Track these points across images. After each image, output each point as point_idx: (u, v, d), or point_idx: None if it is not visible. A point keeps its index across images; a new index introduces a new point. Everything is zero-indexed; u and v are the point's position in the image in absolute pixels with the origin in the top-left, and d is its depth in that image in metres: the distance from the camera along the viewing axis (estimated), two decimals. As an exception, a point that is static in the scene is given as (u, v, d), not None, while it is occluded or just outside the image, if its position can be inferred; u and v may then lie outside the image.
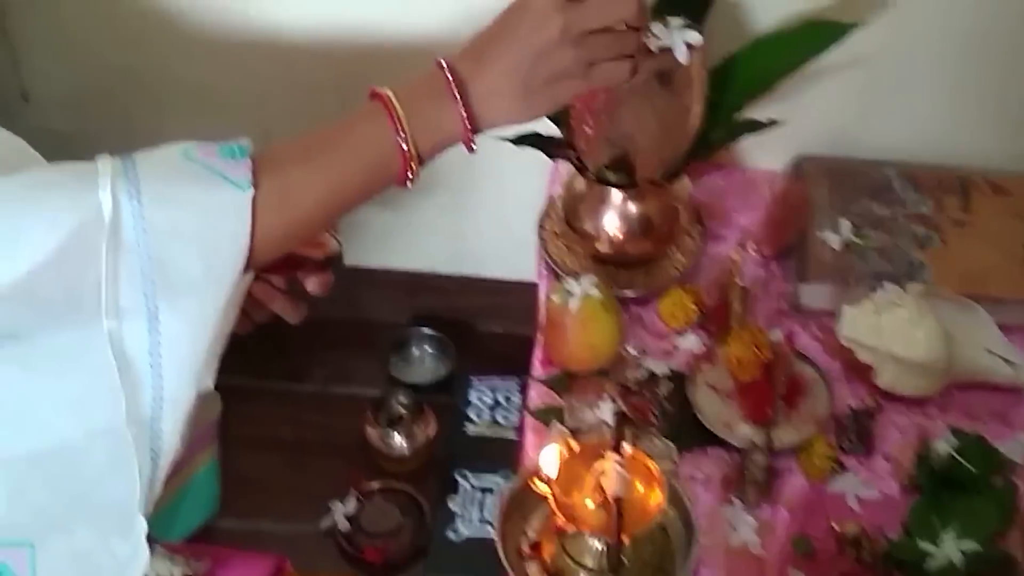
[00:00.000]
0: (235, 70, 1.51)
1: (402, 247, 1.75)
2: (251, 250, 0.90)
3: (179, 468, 1.52)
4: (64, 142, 1.61)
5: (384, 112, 0.95)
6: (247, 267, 0.91)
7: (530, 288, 1.45)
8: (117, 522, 0.95)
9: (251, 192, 0.89)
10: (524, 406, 1.33)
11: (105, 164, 0.88)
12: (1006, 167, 1.45)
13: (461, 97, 0.96)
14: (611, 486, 1.02)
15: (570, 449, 1.07)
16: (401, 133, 0.94)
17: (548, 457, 1.06)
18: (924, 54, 1.39)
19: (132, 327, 0.87)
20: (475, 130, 0.97)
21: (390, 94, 0.95)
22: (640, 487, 1.05)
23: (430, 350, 1.81)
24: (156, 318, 0.87)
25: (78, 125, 1.60)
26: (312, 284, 1.10)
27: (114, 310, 0.86)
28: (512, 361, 1.51)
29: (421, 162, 0.97)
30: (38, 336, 0.88)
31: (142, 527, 0.94)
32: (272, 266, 1.07)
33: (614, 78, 1.00)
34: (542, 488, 1.06)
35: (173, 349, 0.88)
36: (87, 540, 0.95)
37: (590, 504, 1.04)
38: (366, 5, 1.45)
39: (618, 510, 1.01)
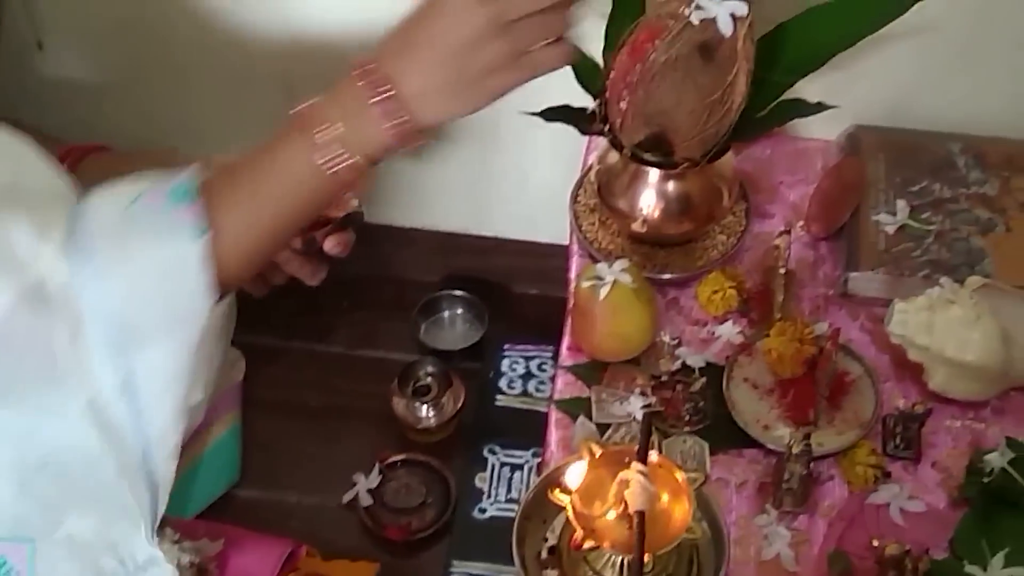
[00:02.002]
0: (254, 23, 1.44)
1: (435, 205, 1.69)
2: (218, 285, 0.89)
3: (200, 432, 1.50)
4: (78, 90, 1.58)
5: (309, 129, 0.92)
6: (220, 298, 0.90)
7: (567, 250, 1.38)
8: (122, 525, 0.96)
9: (205, 237, 0.87)
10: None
11: (59, 223, 0.86)
12: (1080, 142, 1.35)
13: (392, 97, 0.92)
14: (634, 500, 0.95)
15: (592, 455, 1.01)
16: (327, 149, 0.92)
17: (574, 474, 1.00)
18: (992, 18, 1.28)
19: (107, 389, 0.87)
20: (411, 129, 0.94)
21: (310, 114, 0.93)
22: (666, 499, 0.99)
23: (462, 313, 1.74)
24: (130, 374, 0.87)
25: (92, 74, 1.55)
26: (331, 244, 1.08)
27: (88, 378, 0.86)
28: (547, 327, 1.44)
29: (357, 174, 0.94)
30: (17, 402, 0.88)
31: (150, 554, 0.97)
32: None
33: (548, 65, 0.97)
34: (562, 499, 1.00)
35: (152, 397, 0.88)
36: (87, 534, 0.95)
37: (611, 516, 0.98)
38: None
39: (641, 525, 0.94)
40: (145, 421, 0.88)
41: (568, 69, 1.24)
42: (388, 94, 0.92)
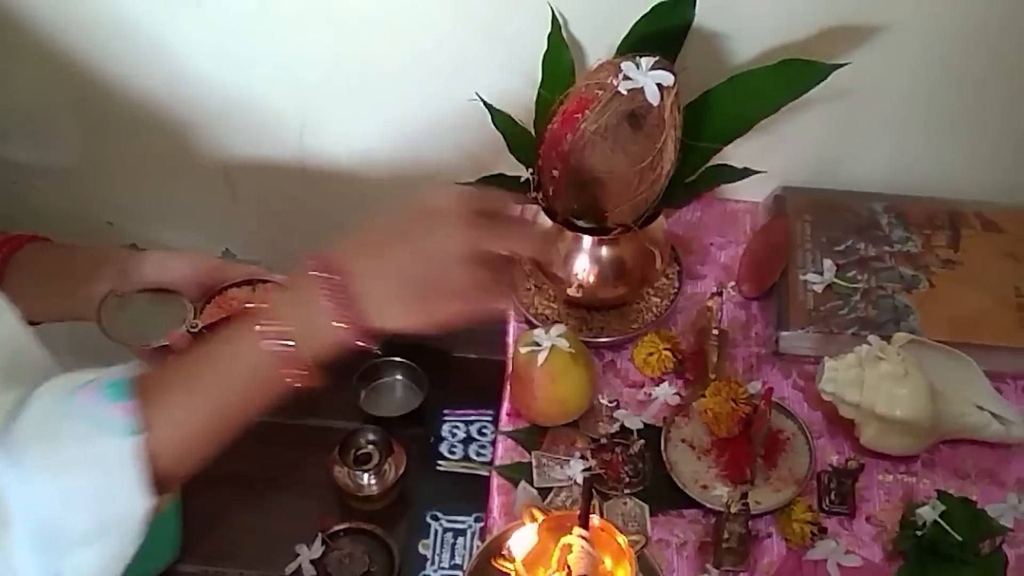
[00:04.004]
0: (191, 108, 1.45)
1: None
2: (156, 483, 0.86)
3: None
4: (13, 169, 1.57)
5: (261, 336, 0.89)
6: (159, 492, 0.87)
7: (505, 317, 1.38)
8: None
9: (139, 437, 0.84)
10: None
11: None
12: (996, 199, 1.39)
13: (348, 297, 0.89)
14: (577, 565, 0.96)
15: (535, 520, 1.02)
16: (282, 344, 0.88)
17: (517, 541, 1.01)
18: (908, 86, 1.32)
19: None
20: (359, 331, 0.90)
21: (267, 318, 0.89)
22: (608, 563, 0.99)
23: (401, 379, 1.75)
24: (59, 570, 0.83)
25: (28, 154, 1.54)
26: None
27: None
28: (487, 390, 1.44)
29: (312, 368, 0.90)
30: None
31: None
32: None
33: (497, 305, 0.95)
34: (506, 567, 1.01)
35: None
36: None
37: (555, 581, 0.99)
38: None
39: (584, 589, 0.95)
40: None
41: (501, 139, 1.27)
42: (342, 296, 0.89)
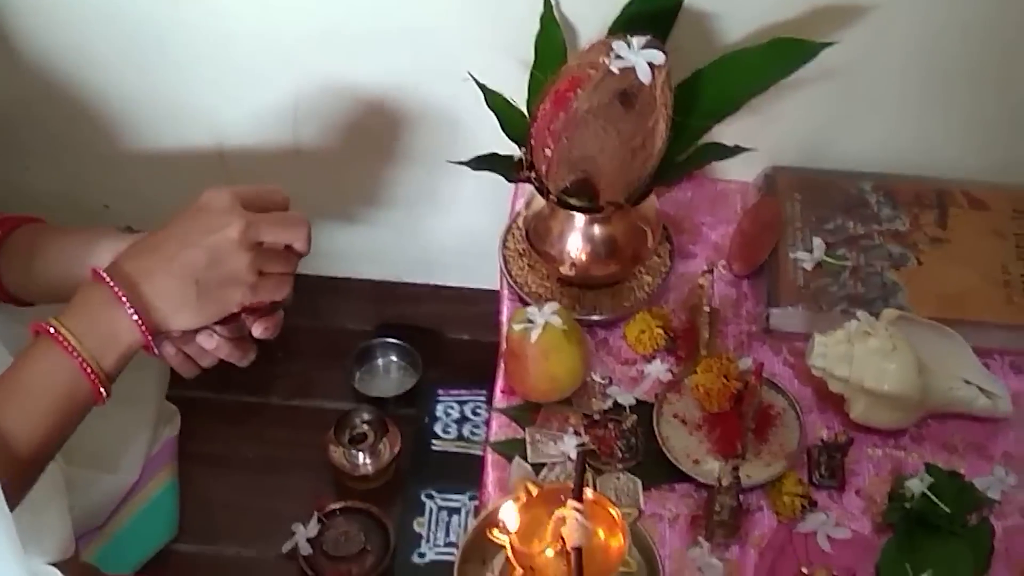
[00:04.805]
0: (187, 87, 1.46)
1: (365, 255, 1.71)
2: None
3: (137, 488, 1.50)
4: (8, 147, 1.58)
5: (56, 344, 0.94)
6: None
7: (498, 295, 1.40)
8: None
9: None
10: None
11: None
12: (984, 178, 1.40)
13: (133, 301, 0.95)
14: (571, 536, 0.97)
15: (529, 494, 1.03)
16: (78, 357, 0.93)
17: (508, 512, 1.02)
18: (897, 65, 1.33)
19: None
20: (153, 333, 0.97)
21: (56, 325, 0.94)
22: (602, 534, 1.01)
23: (396, 360, 1.76)
24: None
25: (26, 132, 1.55)
26: (259, 328, 1.07)
27: None
28: (480, 371, 1.46)
29: (111, 377, 0.96)
30: None
31: None
32: None
33: (276, 294, 1.02)
34: (500, 539, 1.02)
35: None
36: None
37: (550, 553, 1.00)
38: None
39: (578, 561, 0.96)
40: None
41: (494, 119, 1.28)
42: (128, 297, 0.95)
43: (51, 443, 0.96)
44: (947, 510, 1.11)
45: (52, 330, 0.95)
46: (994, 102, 1.37)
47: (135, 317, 0.95)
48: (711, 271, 1.26)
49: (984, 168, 1.41)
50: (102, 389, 0.96)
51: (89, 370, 0.94)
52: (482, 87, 1.27)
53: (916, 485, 1.13)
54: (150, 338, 0.97)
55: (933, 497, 1.12)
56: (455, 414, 1.69)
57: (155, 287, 0.96)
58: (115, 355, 0.96)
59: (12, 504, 0.92)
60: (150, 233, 1.00)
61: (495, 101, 1.28)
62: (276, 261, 1.02)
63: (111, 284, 0.95)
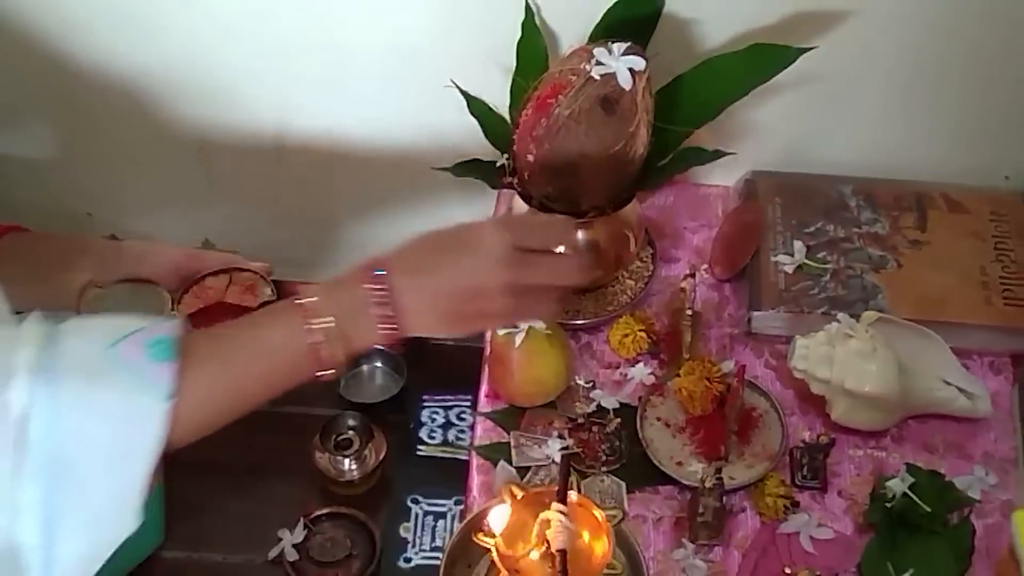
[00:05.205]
0: (165, 90, 1.46)
1: (350, 262, 1.71)
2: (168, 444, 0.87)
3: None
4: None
5: (302, 320, 0.92)
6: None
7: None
8: None
9: (171, 402, 0.85)
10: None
11: (29, 352, 0.83)
12: (963, 181, 1.42)
13: (387, 309, 0.94)
14: (556, 539, 0.98)
15: (514, 497, 1.04)
16: (317, 339, 0.92)
17: (496, 516, 1.03)
18: (877, 71, 1.35)
19: (26, 525, 0.82)
20: (397, 336, 0.96)
21: (311, 304, 0.93)
22: (586, 537, 1.02)
23: (380, 366, 1.76)
24: (53, 519, 0.83)
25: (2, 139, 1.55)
26: None
27: (10, 507, 0.81)
28: (465, 376, 1.47)
29: (335, 366, 0.95)
30: None
31: None
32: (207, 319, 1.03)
33: (536, 318, 1.04)
34: (486, 542, 1.03)
35: (67, 547, 0.84)
36: None
37: (535, 556, 1.01)
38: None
39: (563, 563, 0.97)
40: (52, 571, 0.83)
41: (477, 126, 1.29)
42: (388, 304, 0.94)
43: (254, 403, 0.95)
44: (928, 509, 1.13)
45: (303, 302, 0.93)
46: (973, 107, 1.39)
47: (382, 326, 0.95)
48: (693, 275, 1.27)
49: (963, 172, 1.43)
50: (329, 368, 0.95)
51: (320, 354, 0.93)
52: (465, 94, 1.28)
53: (897, 485, 1.14)
54: (391, 344, 0.97)
55: (914, 497, 1.13)
56: (440, 419, 1.69)
57: (411, 301, 0.95)
58: (350, 349, 0.94)
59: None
60: (431, 236, 0.99)
61: (477, 108, 1.29)
62: (543, 294, 1.00)
63: (374, 287, 0.94)
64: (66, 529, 0.83)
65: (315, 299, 0.93)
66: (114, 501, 0.86)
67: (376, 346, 0.98)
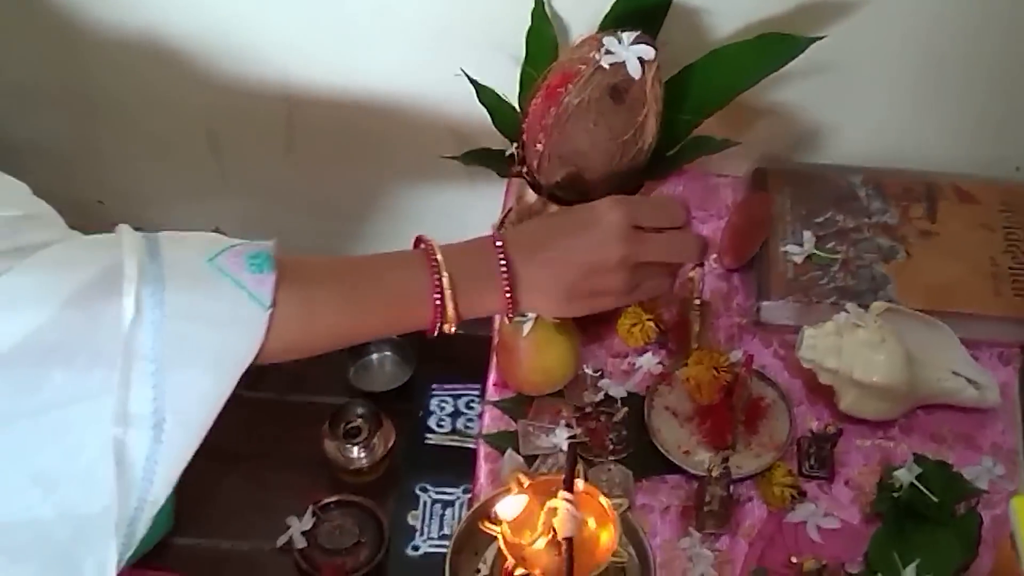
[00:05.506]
0: (176, 78, 1.46)
1: (360, 251, 1.71)
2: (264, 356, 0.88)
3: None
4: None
5: (427, 268, 0.93)
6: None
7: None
8: None
9: (270, 311, 0.86)
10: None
11: (132, 263, 0.84)
12: (973, 171, 1.41)
13: (510, 279, 0.96)
14: (562, 527, 0.98)
15: (521, 486, 1.04)
16: (438, 293, 0.93)
17: (507, 505, 1.03)
18: (887, 60, 1.34)
19: (137, 435, 0.83)
20: (513, 312, 0.98)
21: (439, 256, 0.94)
22: (593, 525, 1.02)
23: (390, 355, 1.77)
24: (161, 428, 0.83)
25: (13, 132, 1.55)
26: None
27: (122, 416, 0.82)
28: (474, 366, 1.47)
29: (450, 322, 0.96)
30: (40, 410, 0.83)
31: None
32: None
33: (651, 295, 1.04)
34: (492, 530, 1.03)
35: (169, 457, 0.84)
36: None
37: (541, 544, 1.01)
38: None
39: (569, 551, 0.97)
40: (152, 482, 0.84)
41: (486, 114, 1.29)
42: (507, 276, 0.96)
43: (352, 338, 0.96)
44: (935, 499, 1.12)
45: (431, 252, 0.95)
46: (984, 97, 1.38)
47: (508, 294, 0.97)
48: (702, 265, 1.26)
49: (974, 162, 1.42)
50: (440, 326, 0.96)
51: (440, 305, 0.94)
52: (474, 83, 1.28)
53: (904, 475, 1.14)
54: (508, 315, 0.99)
55: (921, 487, 1.13)
56: (449, 408, 1.70)
57: (531, 276, 0.97)
58: (470, 311, 0.96)
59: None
60: (548, 216, 1.04)
61: (487, 96, 1.29)
62: (659, 271, 1.02)
63: (501, 257, 0.96)
64: (168, 435, 0.84)
65: (443, 259, 0.94)
66: (205, 407, 0.86)
67: (490, 314, 1.00)
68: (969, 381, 1.21)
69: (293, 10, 1.37)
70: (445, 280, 0.94)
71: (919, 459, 1.16)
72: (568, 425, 1.22)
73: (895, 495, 1.14)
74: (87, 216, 1.61)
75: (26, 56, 1.45)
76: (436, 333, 0.97)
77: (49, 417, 0.82)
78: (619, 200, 1.01)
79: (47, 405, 0.82)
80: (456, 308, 0.95)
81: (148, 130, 1.52)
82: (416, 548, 1.56)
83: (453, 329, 0.97)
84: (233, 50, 1.43)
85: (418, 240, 0.97)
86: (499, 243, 0.97)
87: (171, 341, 0.83)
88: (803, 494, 1.17)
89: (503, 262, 0.96)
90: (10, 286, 0.81)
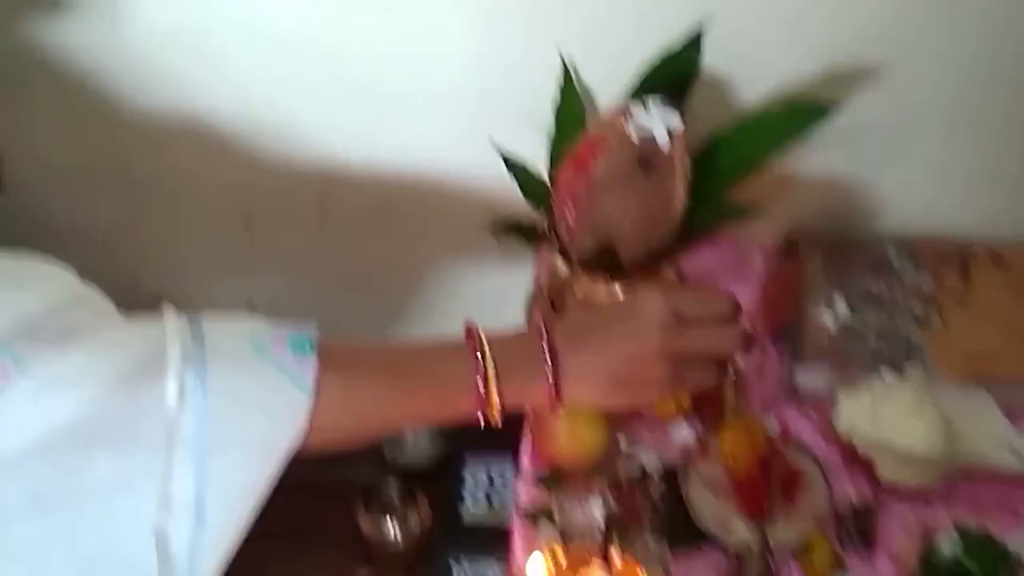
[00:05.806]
0: (213, 159, 1.48)
1: (391, 321, 1.72)
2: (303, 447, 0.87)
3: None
4: (39, 228, 1.61)
5: (472, 358, 0.92)
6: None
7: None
8: None
9: (313, 399, 0.85)
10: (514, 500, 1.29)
11: (175, 345, 0.84)
12: (1007, 235, 1.41)
13: (553, 372, 0.94)
14: (598, 600, 0.98)
15: (556, 558, 1.03)
16: (483, 383, 0.92)
17: (534, 567, 1.02)
18: (915, 124, 1.35)
19: (179, 522, 0.82)
20: (558, 404, 0.96)
21: (485, 344, 0.93)
22: (629, 599, 1.01)
23: (424, 429, 1.76)
24: (203, 514, 0.82)
25: (52, 214, 1.57)
26: None
27: (165, 501, 0.81)
28: (508, 436, 1.46)
29: (492, 417, 0.94)
30: (80, 505, 0.82)
31: None
32: None
33: (700, 386, 1.00)
34: (528, 605, 1.02)
35: (211, 544, 0.83)
36: None
37: (578, 617, 1.00)
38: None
39: (606, 624, 0.96)
40: (196, 568, 0.83)
41: (515, 185, 1.30)
42: (553, 367, 0.94)
43: (396, 426, 0.95)
44: (979, 571, 1.10)
45: (477, 341, 0.93)
46: (1015, 160, 1.37)
47: (551, 386, 0.95)
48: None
49: (1006, 226, 1.42)
50: (485, 418, 0.95)
51: (485, 397, 0.92)
52: (503, 155, 1.29)
53: (947, 546, 1.12)
54: (555, 407, 0.97)
55: (965, 561, 1.11)
56: (483, 479, 1.69)
57: (575, 365, 0.95)
58: (514, 402, 0.94)
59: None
60: (584, 315, 1.00)
61: (515, 167, 1.30)
62: (702, 363, 0.99)
63: (546, 350, 0.95)
64: (210, 521, 0.83)
65: (489, 348, 0.93)
66: (248, 492, 0.85)
67: (534, 406, 0.97)
68: (1010, 449, 1.19)
69: (327, 87, 1.39)
70: (491, 370, 0.92)
71: (962, 532, 1.14)
72: (603, 497, 1.21)
73: (938, 567, 1.12)
74: (121, 290, 1.64)
75: (68, 139, 1.48)
76: (482, 424, 0.96)
77: (92, 502, 0.81)
78: (662, 289, 1.00)
79: (90, 490, 0.81)
80: (501, 398, 0.93)
81: (185, 209, 1.54)
82: (453, 620, 1.55)
83: (499, 419, 0.96)
84: (268, 129, 1.44)
85: (467, 328, 0.95)
86: (545, 332, 0.96)
87: (213, 425, 0.83)
88: (844, 566, 1.15)
89: (548, 352, 0.95)
90: (57, 369, 0.81)
